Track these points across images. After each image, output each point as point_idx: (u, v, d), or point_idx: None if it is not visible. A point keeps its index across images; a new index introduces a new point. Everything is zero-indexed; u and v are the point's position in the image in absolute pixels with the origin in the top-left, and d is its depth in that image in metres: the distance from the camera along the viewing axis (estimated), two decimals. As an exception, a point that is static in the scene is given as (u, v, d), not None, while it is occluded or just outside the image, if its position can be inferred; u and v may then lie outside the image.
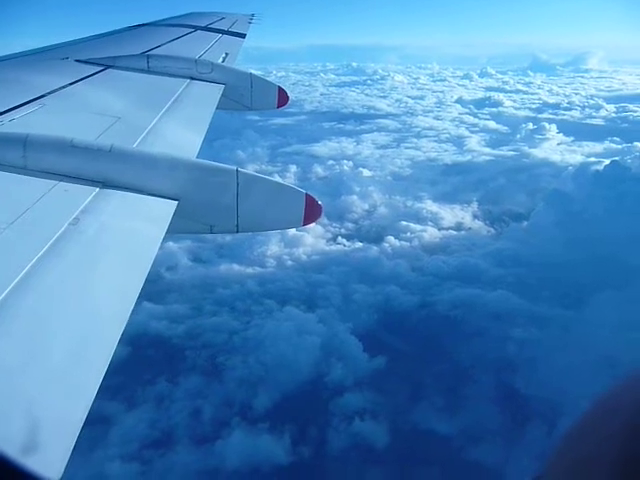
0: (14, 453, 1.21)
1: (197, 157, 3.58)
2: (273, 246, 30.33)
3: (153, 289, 26.10)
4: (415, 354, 22.00)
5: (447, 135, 55.53)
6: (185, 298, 25.20)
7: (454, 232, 34.64)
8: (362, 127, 58.33)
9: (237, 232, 3.26)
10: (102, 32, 8.27)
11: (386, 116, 64.63)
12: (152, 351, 21.65)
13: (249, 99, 6.21)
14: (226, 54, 7.64)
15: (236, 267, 28.09)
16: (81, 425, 1.45)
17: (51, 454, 1.34)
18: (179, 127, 4.18)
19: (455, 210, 37.58)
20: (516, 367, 20.79)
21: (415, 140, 53.34)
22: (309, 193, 3.33)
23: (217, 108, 5.20)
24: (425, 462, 17.38)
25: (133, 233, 2.59)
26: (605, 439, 0.54)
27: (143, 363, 20.98)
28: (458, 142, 53.10)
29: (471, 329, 22.91)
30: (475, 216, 37.24)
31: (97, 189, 2.76)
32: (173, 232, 2.84)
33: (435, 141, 53.50)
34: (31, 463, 1.23)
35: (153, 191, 2.92)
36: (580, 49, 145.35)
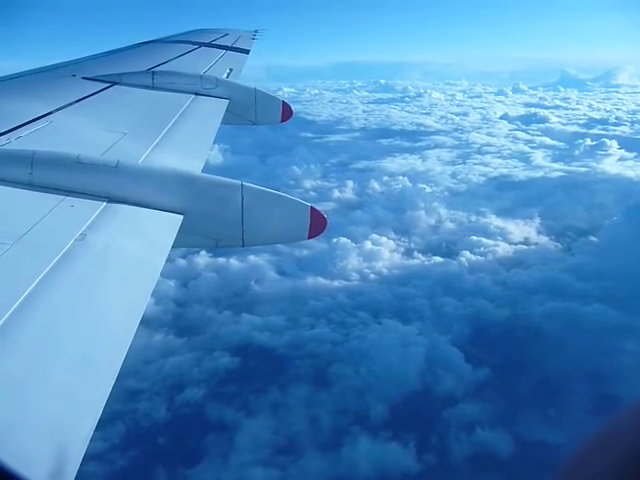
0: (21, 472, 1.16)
1: (206, 172, 3.58)
2: (352, 260, 30.90)
3: (245, 301, 26.88)
4: (515, 365, 22.21)
5: (509, 151, 55.68)
6: (279, 310, 25.74)
7: (524, 247, 34.83)
8: (419, 144, 58.71)
9: (242, 246, 3.22)
10: (109, 49, 8.43)
11: (437, 133, 64.98)
12: (259, 361, 22.25)
13: (253, 114, 6.23)
14: (230, 70, 7.60)
15: (322, 280, 28.64)
16: (87, 444, 1.44)
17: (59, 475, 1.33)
18: (184, 142, 4.22)
19: (519, 225, 37.83)
20: (624, 379, 20.81)
21: (479, 156, 53.65)
22: (314, 206, 3.32)
23: (222, 123, 5.26)
24: (547, 472, 17.56)
25: (139, 248, 2.61)
26: (605, 468, 0.55)
27: (252, 373, 21.64)
28: (523, 158, 53.20)
29: (571, 342, 23.01)
30: (539, 231, 37.43)
31: (103, 204, 2.77)
32: (179, 246, 2.87)
33: (499, 157, 53.69)
34: None
35: (159, 206, 2.94)
36: (606, 64, 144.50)
